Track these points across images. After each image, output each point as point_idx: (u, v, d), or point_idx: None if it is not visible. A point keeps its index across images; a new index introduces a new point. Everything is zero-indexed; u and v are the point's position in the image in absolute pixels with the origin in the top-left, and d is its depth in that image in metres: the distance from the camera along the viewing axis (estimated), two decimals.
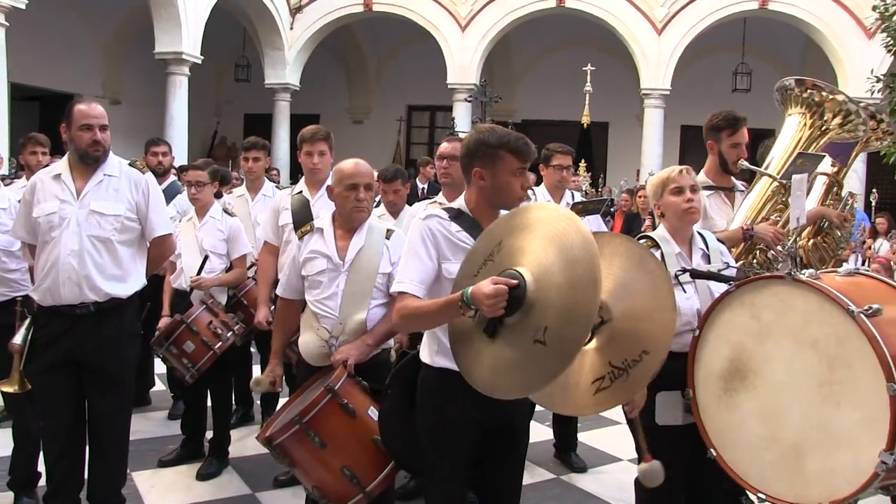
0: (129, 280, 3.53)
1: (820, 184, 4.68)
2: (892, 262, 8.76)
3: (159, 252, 3.72)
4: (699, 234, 3.19)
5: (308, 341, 3.41)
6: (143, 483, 4.47)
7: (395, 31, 18.75)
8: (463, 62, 16.65)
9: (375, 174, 4.10)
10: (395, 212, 4.83)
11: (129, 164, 3.58)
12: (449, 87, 16.79)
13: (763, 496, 2.57)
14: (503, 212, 2.77)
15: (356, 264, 3.36)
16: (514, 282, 2.21)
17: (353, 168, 3.38)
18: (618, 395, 2.45)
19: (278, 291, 3.59)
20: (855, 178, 14.64)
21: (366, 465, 3.01)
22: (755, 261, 3.83)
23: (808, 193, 4.64)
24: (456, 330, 2.47)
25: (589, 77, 13.78)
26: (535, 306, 2.19)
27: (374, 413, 3.12)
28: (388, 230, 3.48)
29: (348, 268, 3.35)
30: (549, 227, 2.31)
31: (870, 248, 11.00)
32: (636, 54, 15.93)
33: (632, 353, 2.40)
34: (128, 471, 3.94)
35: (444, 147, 4.23)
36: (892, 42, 4.89)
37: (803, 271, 2.50)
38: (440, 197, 4.36)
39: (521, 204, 2.72)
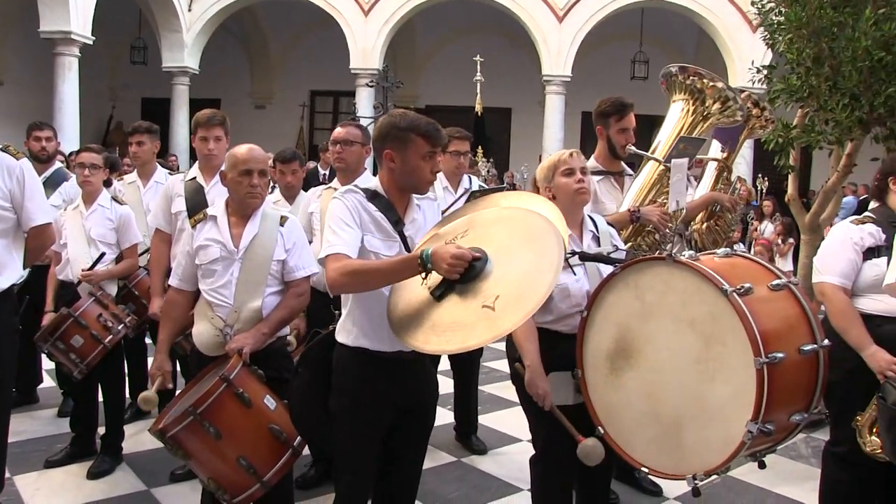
0: (3, 273, 3.36)
1: (711, 169, 4.88)
2: (773, 244, 9.21)
3: (38, 242, 3.55)
4: (589, 217, 3.27)
5: (202, 331, 3.34)
6: (27, 486, 4.26)
7: (297, 14, 18.41)
8: (366, 47, 16.50)
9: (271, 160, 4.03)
10: (291, 196, 4.78)
11: (2, 150, 3.40)
12: (352, 72, 16.64)
13: (646, 470, 2.68)
14: (416, 196, 2.85)
15: (250, 252, 3.32)
16: (478, 254, 2.37)
17: (246, 153, 3.33)
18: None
19: (171, 282, 3.49)
20: (743, 164, 15.32)
21: (263, 454, 3.00)
22: (644, 243, 3.96)
23: (700, 178, 4.85)
24: (397, 296, 2.57)
25: (479, 66, 13.85)
26: (489, 279, 2.34)
27: (270, 402, 3.10)
28: (282, 217, 3.44)
29: (242, 255, 3.30)
30: (518, 221, 2.55)
31: (756, 229, 11.54)
32: (538, 41, 16.15)
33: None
34: (7, 475, 3.76)
35: (338, 132, 4.19)
36: (769, 36, 5.13)
37: (684, 252, 2.60)
38: (335, 183, 4.32)
39: (425, 188, 2.80)
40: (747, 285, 2.43)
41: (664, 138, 4.05)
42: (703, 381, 2.47)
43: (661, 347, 2.60)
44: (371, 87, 15.70)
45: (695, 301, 2.50)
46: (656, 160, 3.87)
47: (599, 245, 3.22)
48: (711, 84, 3.95)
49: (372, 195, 2.77)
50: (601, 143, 4.02)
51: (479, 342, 2.24)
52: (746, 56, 13.96)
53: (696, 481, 2.52)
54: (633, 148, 3.91)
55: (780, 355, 2.34)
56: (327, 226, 2.72)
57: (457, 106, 17.37)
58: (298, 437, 3.03)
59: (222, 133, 4.32)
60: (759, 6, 5.07)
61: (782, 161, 5.11)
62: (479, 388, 5.35)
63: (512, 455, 4.91)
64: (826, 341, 2.57)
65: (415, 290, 2.51)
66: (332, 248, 2.63)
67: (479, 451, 4.92)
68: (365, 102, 15.94)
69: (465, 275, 2.36)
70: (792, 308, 2.57)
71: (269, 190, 4.06)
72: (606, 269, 3.05)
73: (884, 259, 3.27)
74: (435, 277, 2.45)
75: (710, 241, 4.60)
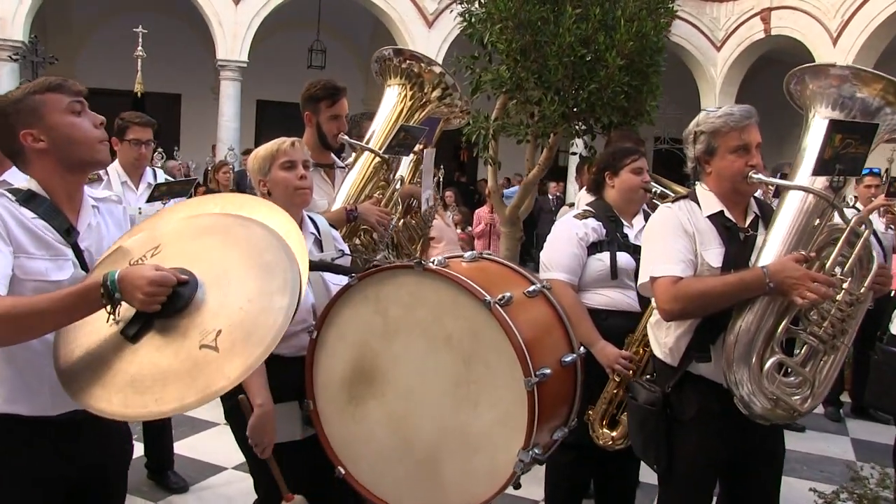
0: None
1: (407, 162, 4.64)
2: (474, 235, 9.47)
3: None
4: (309, 217, 2.81)
5: None
6: None
7: None
8: (4, 13, 14.11)
9: None
10: None
11: None
12: None
13: None
14: (92, 195, 2.17)
15: None
16: (185, 277, 1.82)
17: None
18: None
19: None
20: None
21: None
22: (359, 242, 3.58)
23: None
24: (69, 340, 1.89)
25: (141, 40, 12.54)
26: (203, 309, 1.81)
27: None
28: None
29: None
30: (232, 231, 2.01)
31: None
32: (212, 23, 15.10)
33: None
34: None
35: None
36: (467, 25, 5.06)
37: (432, 259, 2.24)
38: None
39: (101, 151, 2.10)
40: (508, 294, 2.14)
41: (378, 127, 3.70)
42: (465, 407, 2.14)
43: (411, 370, 2.22)
44: (15, 60, 13.52)
45: (451, 315, 2.15)
46: (372, 151, 3.50)
47: (322, 250, 2.78)
48: (429, 68, 3.68)
49: (27, 196, 2.02)
50: (310, 131, 3.56)
51: (204, 396, 1.69)
52: (420, 48, 14.31)
53: None
54: (346, 137, 3.52)
55: (548, 371, 2.09)
56: None
57: (120, 90, 15.69)
58: None
59: None
60: None
61: (484, 154, 5.07)
62: None
63: (217, 488, 4.27)
64: (582, 349, 2.39)
65: (97, 328, 1.86)
66: None
67: (180, 489, 4.20)
68: (7, 79, 13.65)
69: (168, 305, 1.78)
70: (549, 316, 2.36)
71: None
72: (332, 279, 2.63)
73: (606, 254, 3.28)
74: (126, 310, 1.83)
75: (407, 237, 4.37)
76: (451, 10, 6.36)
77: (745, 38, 15.53)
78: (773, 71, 16.34)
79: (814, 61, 13.88)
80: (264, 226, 2.01)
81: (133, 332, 1.79)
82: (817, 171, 2.38)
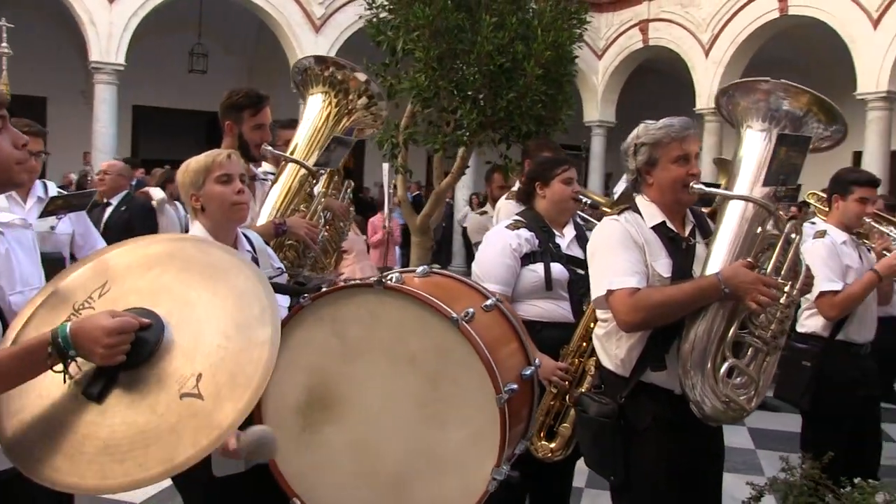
0: None
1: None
2: (370, 244, 9.34)
3: None
4: (244, 235, 2.67)
5: None
6: None
7: None
8: None
9: None
10: None
11: None
12: None
13: None
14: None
15: None
16: (146, 320, 1.64)
17: None
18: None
19: None
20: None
21: None
22: (286, 258, 3.46)
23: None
24: (19, 407, 1.65)
25: (5, 34, 11.59)
26: (173, 353, 1.66)
27: None
28: None
29: None
30: (185, 257, 1.85)
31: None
32: (84, 22, 14.27)
33: None
34: None
35: None
36: (374, 32, 4.98)
37: (390, 276, 2.17)
38: None
39: (18, 175, 1.84)
40: (471, 310, 2.10)
41: (303, 137, 3.58)
42: (432, 427, 2.08)
43: (374, 393, 2.14)
44: None
45: (415, 334, 2.09)
46: (299, 163, 3.39)
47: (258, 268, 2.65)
48: (353, 75, 3.60)
49: None
50: (229, 140, 3.40)
51: (197, 452, 1.55)
52: (309, 53, 14.08)
53: None
54: (270, 148, 3.39)
55: (515, 387, 2.07)
56: None
57: None
58: None
59: None
60: (369, 2, 4.91)
61: (395, 162, 5.03)
62: None
63: None
64: (538, 360, 2.39)
65: (50, 390, 1.65)
66: None
67: None
68: None
69: (133, 355, 1.61)
70: (507, 329, 2.33)
71: None
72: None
73: (539, 265, 3.28)
74: (81, 364, 1.64)
75: (322, 250, 4.27)
76: (359, 17, 6.25)
77: (624, 47, 16.16)
78: (652, 79, 17.19)
79: (688, 71, 14.72)
80: (222, 246, 1.89)
81: (97, 390, 1.61)
82: (767, 182, 2.50)
